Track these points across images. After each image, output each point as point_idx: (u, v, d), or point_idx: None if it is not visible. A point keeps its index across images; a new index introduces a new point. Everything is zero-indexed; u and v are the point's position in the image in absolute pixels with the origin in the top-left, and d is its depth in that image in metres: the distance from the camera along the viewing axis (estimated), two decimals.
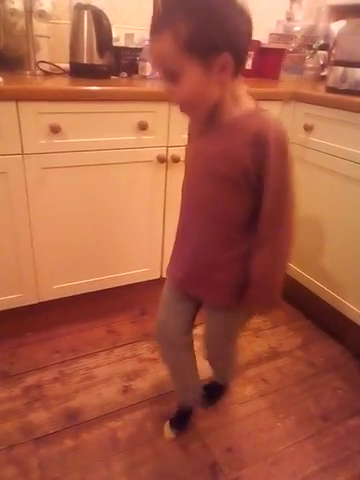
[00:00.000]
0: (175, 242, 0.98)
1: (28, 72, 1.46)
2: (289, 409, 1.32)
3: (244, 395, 1.35)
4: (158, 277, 1.68)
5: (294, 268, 1.71)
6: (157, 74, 1.58)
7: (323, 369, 1.49)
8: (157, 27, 0.69)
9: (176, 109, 0.78)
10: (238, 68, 0.72)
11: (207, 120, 0.79)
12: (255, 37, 1.85)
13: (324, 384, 1.43)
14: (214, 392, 1.31)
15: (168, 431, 1.20)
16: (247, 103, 0.77)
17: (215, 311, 0.99)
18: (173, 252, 1.00)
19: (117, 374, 1.41)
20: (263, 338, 1.62)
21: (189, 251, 0.92)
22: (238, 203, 0.80)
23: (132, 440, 1.19)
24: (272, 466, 1.15)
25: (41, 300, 1.48)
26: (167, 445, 1.18)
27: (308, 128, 1.53)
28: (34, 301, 1.47)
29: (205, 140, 0.82)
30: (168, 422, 1.22)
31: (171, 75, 0.70)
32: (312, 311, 1.72)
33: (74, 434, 1.19)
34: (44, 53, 1.53)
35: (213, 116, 0.78)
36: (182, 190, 0.93)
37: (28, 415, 1.24)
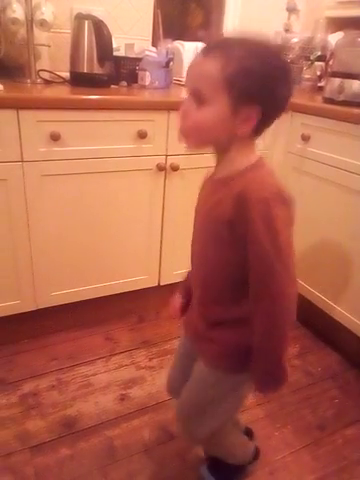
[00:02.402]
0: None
1: (29, 80, 1.47)
2: (286, 418, 1.32)
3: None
4: (156, 285, 1.68)
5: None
6: (156, 84, 1.60)
7: (320, 378, 1.49)
8: (213, 48, 0.68)
9: (175, 124, 0.76)
10: (260, 128, 0.71)
11: (217, 164, 0.77)
12: None
13: (321, 393, 1.43)
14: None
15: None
16: (249, 158, 0.73)
17: (201, 365, 0.87)
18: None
19: (114, 382, 1.40)
20: None
21: (193, 303, 0.89)
22: (229, 261, 0.75)
23: (129, 449, 1.18)
24: (269, 476, 1.14)
25: (39, 307, 1.48)
26: (164, 454, 1.18)
27: (305, 138, 1.54)
28: (32, 308, 1.47)
29: (204, 195, 0.81)
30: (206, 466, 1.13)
31: (198, 97, 0.69)
32: (309, 320, 1.72)
33: (71, 442, 1.19)
34: (45, 62, 1.55)
35: (217, 162, 0.77)
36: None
37: (25, 423, 1.24)
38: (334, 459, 1.20)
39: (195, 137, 0.73)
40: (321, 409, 1.37)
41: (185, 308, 0.95)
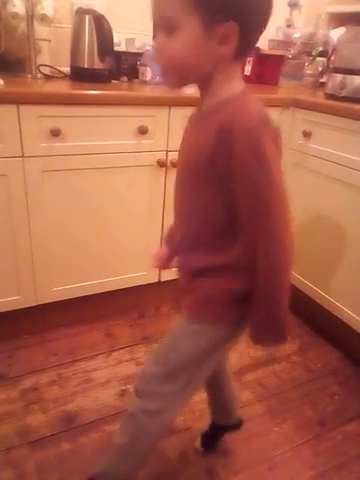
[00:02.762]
0: None
1: (29, 75, 1.47)
2: (286, 414, 1.32)
3: (241, 400, 1.35)
4: (156, 281, 1.68)
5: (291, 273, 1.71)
6: (158, 79, 1.59)
7: (320, 374, 1.50)
8: None
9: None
10: (243, 48, 0.63)
11: (201, 97, 0.70)
12: None
13: (321, 389, 1.43)
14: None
15: (199, 445, 1.18)
16: (234, 87, 0.66)
17: (179, 323, 0.79)
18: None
19: (115, 378, 1.40)
20: None
21: (179, 254, 0.82)
22: (213, 203, 0.68)
23: None
24: (269, 471, 1.15)
25: (39, 302, 1.48)
26: (164, 449, 1.18)
27: (307, 134, 1.54)
28: (32, 303, 1.47)
29: (186, 133, 0.74)
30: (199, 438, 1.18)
31: (167, 27, 0.62)
32: (310, 316, 1.73)
33: (71, 438, 1.19)
34: (45, 57, 1.54)
35: (201, 97, 0.70)
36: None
37: (25, 418, 1.24)
38: (334, 455, 1.20)
39: (174, 72, 0.66)
40: (321, 405, 1.37)
41: (170, 259, 0.91)
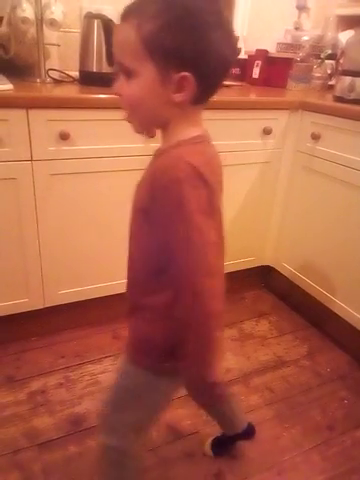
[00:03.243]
0: None
1: (38, 80, 1.48)
2: (295, 418, 1.31)
3: (249, 404, 1.34)
4: None
5: (300, 276, 1.70)
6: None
7: (329, 379, 1.48)
8: (125, 14, 0.60)
9: (123, 115, 0.68)
10: (202, 94, 0.62)
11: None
12: (263, 46, 1.90)
13: (330, 394, 1.42)
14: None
15: (208, 450, 1.18)
16: (187, 133, 0.64)
17: (122, 362, 0.80)
18: None
19: None
20: (269, 347, 1.62)
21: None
22: (150, 246, 0.68)
23: None
24: (277, 476, 1.14)
25: (47, 305, 1.49)
26: (172, 453, 1.17)
27: (315, 137, 1.53)
28: (40, 306, 1.48)
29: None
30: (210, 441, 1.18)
31: (124, 71, 0.62)
32: (318, 320, 1.71)
33: (78, 440, 1.19)
34: (54, 61, 1.56)
35: (161, 138, 0.69)
36: None
37: (32, 420, 1.24)
38: (343, 460, 1.19)
39: (134, 116, 0.66)
40: (330, 409, 1.35)
41: None
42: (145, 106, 0.63)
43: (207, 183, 0.59)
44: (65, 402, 1.31)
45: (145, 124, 0.69)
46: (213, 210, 0.60)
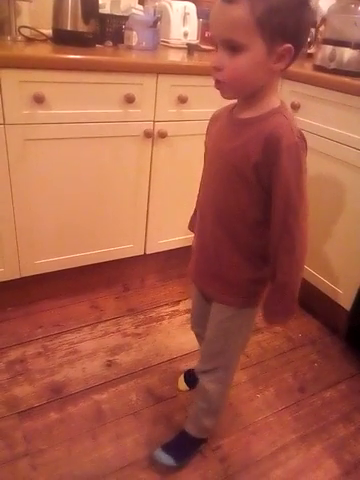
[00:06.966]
0: (194, 238, 0.97)
1: (8, 37, 1.39)
2: (268, 381, 1.37)
3: None
4: (142, 253, 1.68)
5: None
6: (144, 44, 1.53)
7: (300, 344, 1.55)
8: None
9: (211, 82, 0.74)
10: (291, 63, 0.71)
11: (242, 104, 0.78)
12: None
13: (301, 358, 1.49)
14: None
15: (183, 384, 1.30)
16: (275, 100, 0.75)
17: (220, 310, 0.93)
18: (192, 248, 0.98)
19: (101, 349, 1.42)
20: None
21: (204, 247, 0.90)
22: (249, 201, 0.78)
23: (117, 412, 1.21)
24: (252, 435, 1.20)
25: (23, 275, 1.46)
26: (151, 416, 1.21)
27: (295, 106, 1.52)
28: (16, 276, 1.45)
29: (224, 136, 0.80)
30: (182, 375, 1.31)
31: (231, 47, 0.68)
32: None
33: (59, 407, 1.21)
34: (25, 18, 1.45)
35: (239, 105, 0.78)
36: (200, 186, 0.93)
37: (12, 389, 1.24)
38: (314, 420, 1.26)
39: (234, 87, 0.73)
40: (301, 372, 1.42)
41: None
42: (249, 77, 0.71)
43: (306, 145, 0.74)
44: (44, 370, 1.31)
45: (240, 92, 0.75)
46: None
